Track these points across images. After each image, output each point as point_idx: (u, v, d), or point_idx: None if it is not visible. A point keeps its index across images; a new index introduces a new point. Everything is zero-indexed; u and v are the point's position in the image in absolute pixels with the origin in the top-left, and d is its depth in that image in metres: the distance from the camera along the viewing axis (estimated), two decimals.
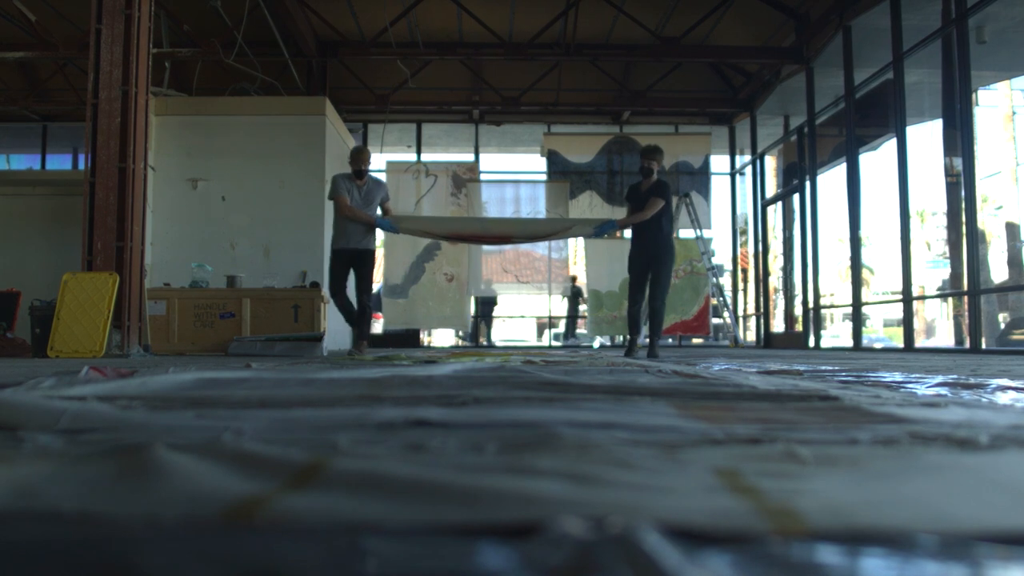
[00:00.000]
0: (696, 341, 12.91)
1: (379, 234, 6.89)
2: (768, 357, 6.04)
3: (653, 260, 6.42)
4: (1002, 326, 15.64)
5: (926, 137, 10.92)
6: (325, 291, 8.93)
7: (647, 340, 6.65)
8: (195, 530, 0.65)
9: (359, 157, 6.60)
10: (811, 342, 10.38)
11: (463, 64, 11.85)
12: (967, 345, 7.65)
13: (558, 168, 12.30)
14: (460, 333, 14.00)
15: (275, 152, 9.85)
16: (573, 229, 7.16)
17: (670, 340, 12.64)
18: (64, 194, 10.23)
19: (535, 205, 12.28)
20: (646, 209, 6.34)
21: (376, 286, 13.36)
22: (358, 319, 6.59)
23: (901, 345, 8.83)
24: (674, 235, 7.09)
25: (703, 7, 10.21)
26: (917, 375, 3.04)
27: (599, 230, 6.85)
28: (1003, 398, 1.91)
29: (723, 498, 0.75)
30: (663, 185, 6.39)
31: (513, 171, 14.52)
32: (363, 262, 6.57)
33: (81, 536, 0.63)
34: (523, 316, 15.31)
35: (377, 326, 13.04)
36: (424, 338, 13.64)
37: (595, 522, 0.61)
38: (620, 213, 13.09)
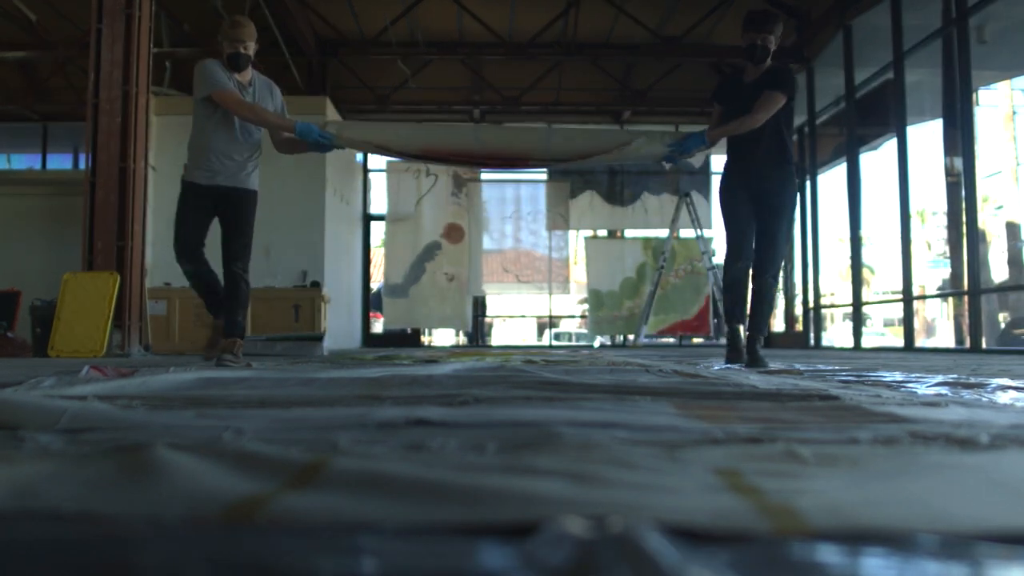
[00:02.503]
0: (696, 341, 12.90)
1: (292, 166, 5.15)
2: (768, 356, 6.02)
3: (765, 197, 4.04)
4: (1002, 326, 15.63)
5: (926, 137, 10.94)
6: (325, 290, 8.92)
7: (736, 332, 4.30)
8: (195, 530, 0.65)
9: (237, 32, 4.13)
10: (811, 341, 10.38)
11: (463, 64, 11.84)
12: (967, 345, 7.65)
13: (558, 168, 12.29)
14: (460, 333, 13.98)
15: (275, 152, 9.84)
16: (629, 148, 4.34)
17: (670, 340, 12.63)
18: (64, 194, 10.22)
19: (535, 205, 12.28)
20: (756, 111, 3.91)
21: (376, 285, 13.37)
22: (227, 300, 4.27)
23: (901, 343, 8.83)
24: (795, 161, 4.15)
25: (704, 6, 10.20)
26: (917, 374, 3.03)
27: (678, 147, 4.22)
28: (1003, 397, 1.91)
29: (723, 497, 0.75)
30: (784, 74, 4.04)
31: (513, 171, 14.51)
32: (239, 210, 4.27)
33: (81, 536, 0.63)
34: (523, 316, 15.29)
35: (377, 326, 13.03)
36: (424, 338, 13.63)
37: (595, 522, 0.60)
38: (621, 213, 13.19)
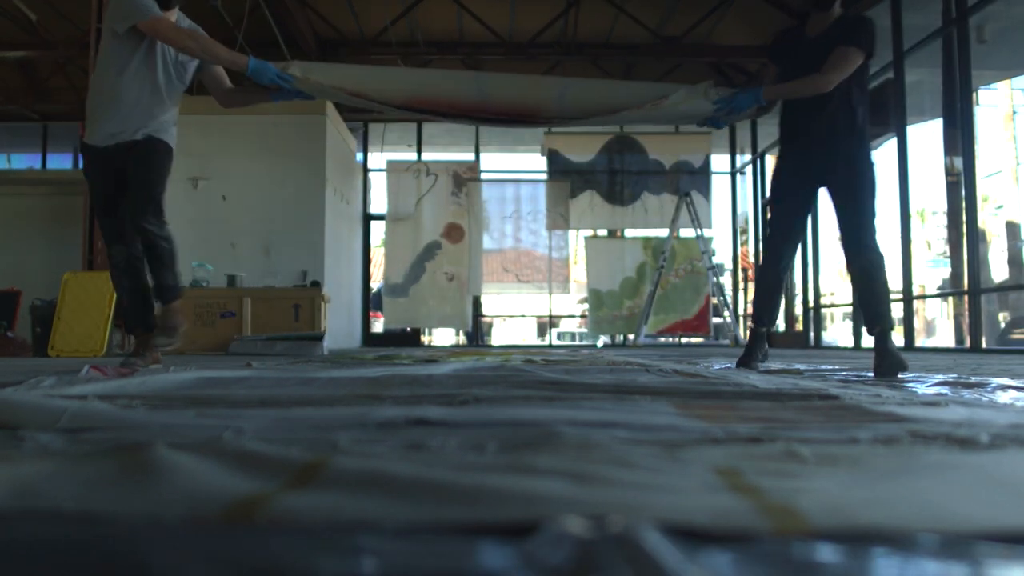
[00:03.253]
0: (696, 340, 12.90)
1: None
2: (768, 356, 6.02)
3: (833, 176, 3.33)
4: (1002, 325, 15.63)
5: (926, 136, 10.92)
6: (325, 290, 8.93)
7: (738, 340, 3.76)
8: (195, 529, 0.65)
9: None
10: (811, 341, 10.38)
11: (463, 63, 11.84)
12: (967, 344, 7.65)
13: (558, 167, 12.29)
14: (460, 333, 13.97)
15: (276, 151, 9.85)
16: (664, 104, 3.52)
17: (670, 339, 12.63)
18: (64, 194, 10.23)
19: (535, 204, 12.28)
20: (827, 70, 3.15)
21: (376, 285, 13.37)
22: (154, 267, 3.58)
23: (901, 344, 8.84)
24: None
25: (704, 6, 10.20)
26: (917, 374, 3.04)
27: (727, 104, 3.37)
28: (1003, 397, 1.91)
29: (724, 497, 0.75)
30: (861, 25, 3.24)
31: (513, 170, 14.52)
32: (143, 157, 3.53)
33: (82, 535, 0.63)
34: (523, 315, 15.29)
35: (377, 325, 13.03)
36: (424, 337, 13.63)
37: (596, 521, 0.60)
38: (621, 213, 13.19)
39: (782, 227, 3.51)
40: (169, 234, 3.62)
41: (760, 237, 12.36)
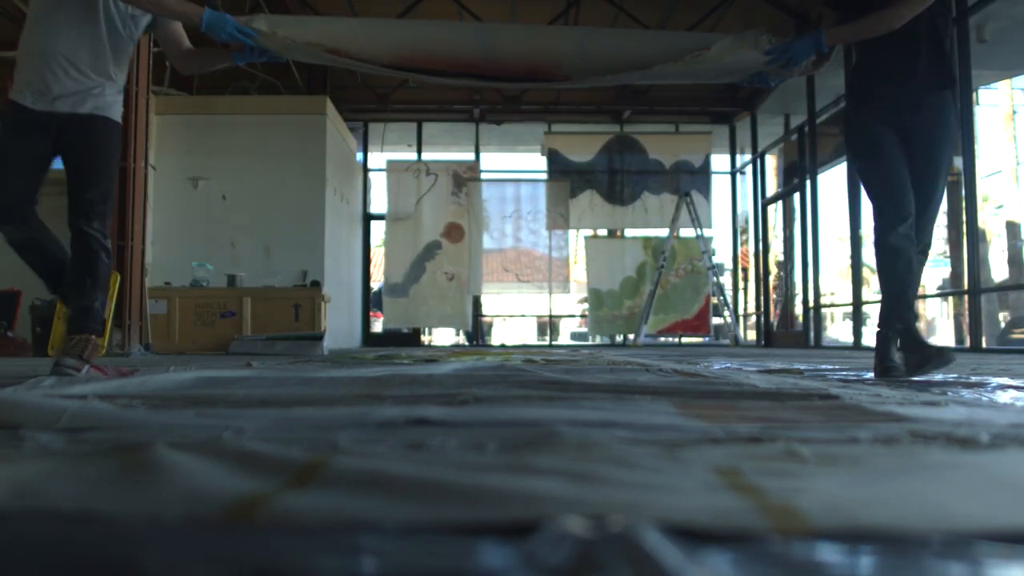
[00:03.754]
0: (696, 340, 12.90)
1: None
2: (768, 356, 6.04)
3: (919, 137, 2.86)
4: (1003, 325, 15.64)
5: None
6: (325, 290, 8.93)
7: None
8: (196, 529, 0.65)
9: None
10: (812, 341, 10.38)
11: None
12: (967, 344, 7.65)
13: (558, 167, 12.29)
14: (460, 332, 13.97)
15: (276, 151, 9.85)
16: (707, 56, 2.99)
17: (670, 339, 12.63)
18: (64, 194, 10.20)
19: (535, 204, 12.28)
20: (899, 3, 2.72)
21: (376, 285, 13.37)
22: (77, 278, 2.99)
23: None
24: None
25: (704, 6, 10.19)
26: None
27: (782, 54, 2.91)
28: (1003, 397, 1.91)
29: (724, 497, 0.75)
30: None
31: (513, 170, 14.51)
32: (90, 144, 3.00)
33: (82, 535, 0.63)
34: (523, 315, 15.29)
35: (377, 325, 13.03)
36: (424, 337, 13.64)
37: (596, 521, 0.60)
38: (621, 212, 13.19)
39: (893, 173, 2.84)
40: (109, 248, 3.05)
41: (760, 237, 12.34)
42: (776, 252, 13.27)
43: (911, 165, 2.86)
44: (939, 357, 2.74)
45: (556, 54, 3.27)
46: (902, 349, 2.83)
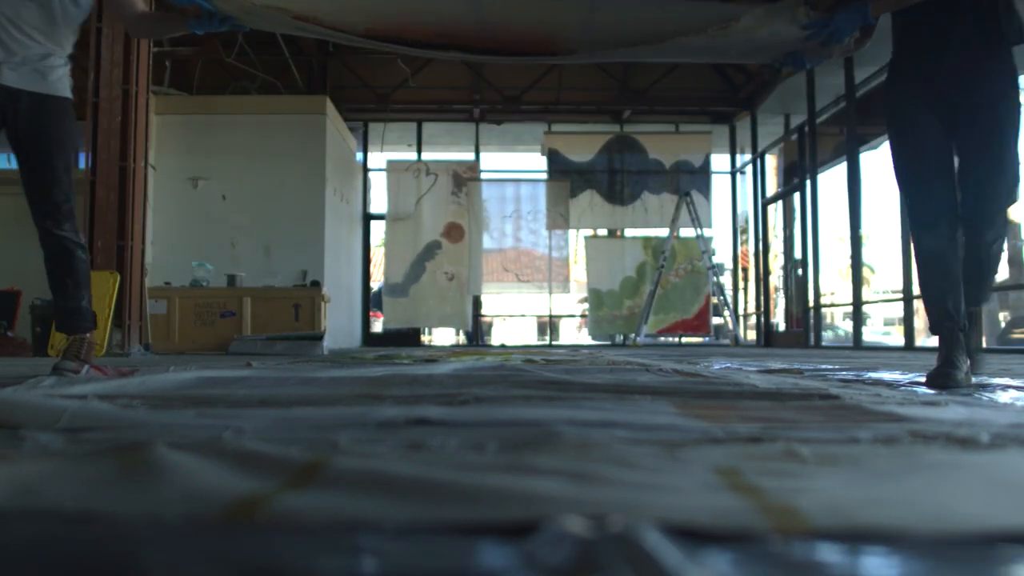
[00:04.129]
0: (696, 340, 12.90)
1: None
2: (768, 356, 6.04)
3: (968, 110, 2.47)
4: (1003, 325, 15.63)
5: None
6: (325, 290, 8.93)
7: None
8: (196, 529, 0.65)
9: None
10: (812, 341, 10.38)
11: (463, 63, 11.84)
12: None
13: (559, 167, 12.29)
14: (460, 332, 13.96)
15: (276, 151, 9.85)
16: (735, 28, 2.58)
17: (670, 339, 12.63)
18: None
19: (535, 204, 12.28)
20: None
21: (376, 285, 13.37)
22: (60, 281, 2.91)
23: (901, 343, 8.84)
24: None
25: None
26: (917, 373, 3.03)
27: (822, 27, 2.49)
28: (1004, 397, 1.91)
29: (724, 497, 0.75)
30: None
31: (513, 170, 14.49)
32: (47, 130, 2.89)
33: (82, 535, 0.63)
34: (523, 315, 15.28)
35: (377, 325, 13.03)
36: (424, 337, 13.64)
37: (596, 521, 0.60)
38: (621, 212, 13.18)
39: (927, 167, 2.51)
40: (84, 243, 2.94)
41: (760, 237, 12.34)
42: (776, 253, 13.26)
43: (960, 145, 2.51)
44: (963, 384, 2.33)
45: (558, 24, 2.89)
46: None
